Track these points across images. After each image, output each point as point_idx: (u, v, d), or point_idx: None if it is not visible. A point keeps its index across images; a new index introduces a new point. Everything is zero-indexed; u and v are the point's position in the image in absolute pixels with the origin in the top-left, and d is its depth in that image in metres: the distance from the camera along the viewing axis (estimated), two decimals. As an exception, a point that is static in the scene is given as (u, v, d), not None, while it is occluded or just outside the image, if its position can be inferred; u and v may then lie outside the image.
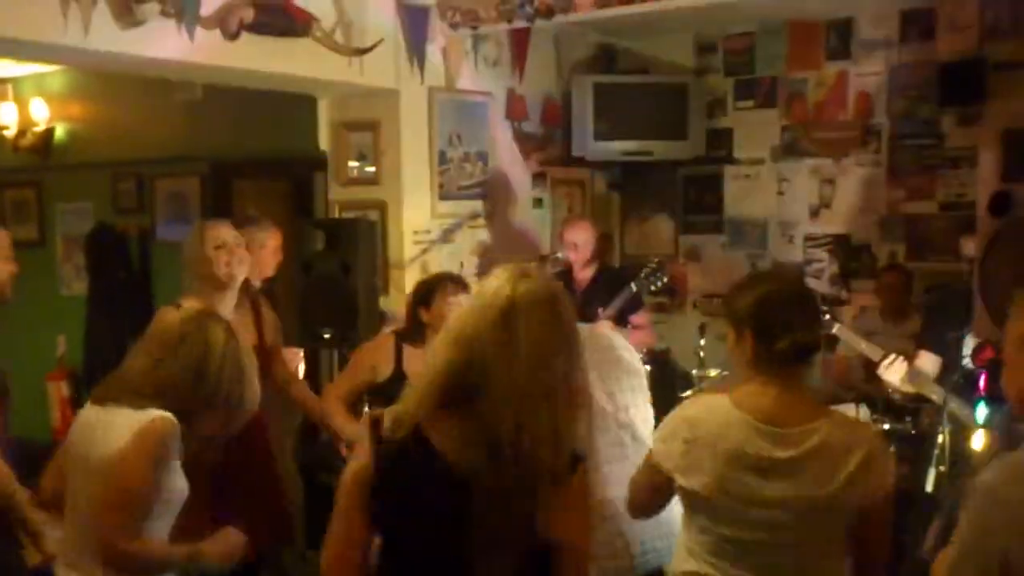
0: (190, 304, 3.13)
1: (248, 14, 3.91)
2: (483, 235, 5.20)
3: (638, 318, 4.60)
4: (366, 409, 3.20)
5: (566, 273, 4.72)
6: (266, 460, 3.54)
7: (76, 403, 4.91)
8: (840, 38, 5.33)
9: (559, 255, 4.72)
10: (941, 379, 3.35)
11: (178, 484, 2.25)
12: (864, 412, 3.62)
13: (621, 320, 4.40)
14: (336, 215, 4.87)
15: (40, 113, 6.68)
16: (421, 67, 4.68)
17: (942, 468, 2.88)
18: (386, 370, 3.42)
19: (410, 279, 4.42)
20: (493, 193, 5.23)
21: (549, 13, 4.33)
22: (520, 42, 5.08)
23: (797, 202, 5.55)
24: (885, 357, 3.35)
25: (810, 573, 2.12)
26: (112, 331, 5.52)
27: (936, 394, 3.31)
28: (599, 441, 2.53)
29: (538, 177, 5.59)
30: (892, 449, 2.22)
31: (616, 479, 2.46)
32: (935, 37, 5.03)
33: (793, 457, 2.04)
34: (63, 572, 2.28)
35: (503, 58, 5.18)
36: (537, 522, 1.70)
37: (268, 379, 3.30)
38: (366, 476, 1.80)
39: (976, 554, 1.50)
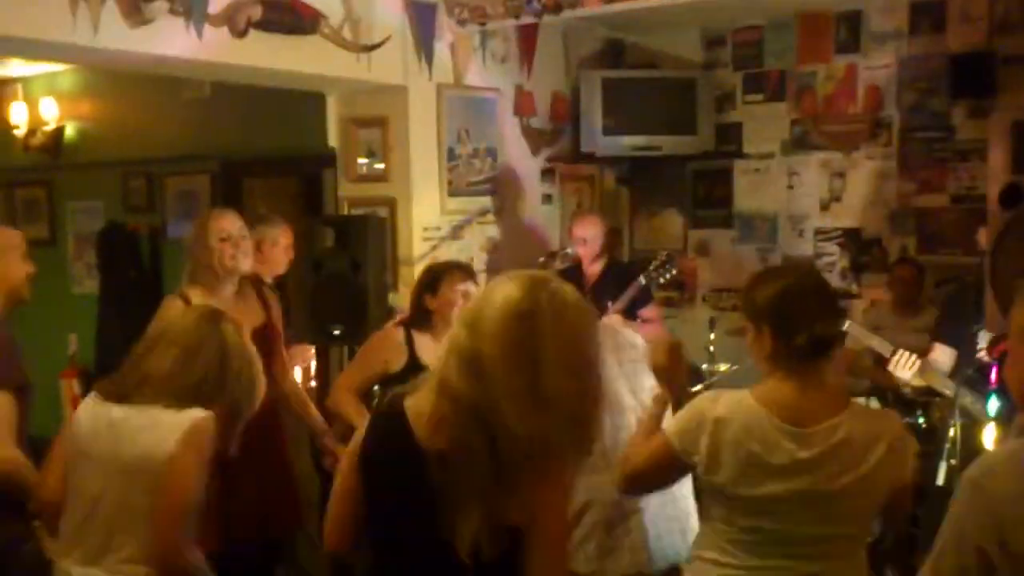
0: (195, 295, 3.16)
1: (256, 11, 3.92)
2: (492, 231, 5.21)
3: (648, 312, 4.59)
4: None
5: (575, 268, 4.73)
6: (278, 450, 3.55)
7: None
8: (850, 30, 5.31)
9: (568, 250, 4.73)
10: (955, 372, 3.35)
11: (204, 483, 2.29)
12: (875, 406, 3.62)
13: (630, 314, 4.39)
14: (345, 212, 4.88)
15: (50, 112, 6.71)
16: (429, 63, 4.68)
17: (953, 462, 2.88)
18: (400, 360, 3.39)
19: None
20: (502, 189, 5.23)
21: (557, 8, 4.32)
22: (528, 38, 5.08)
23: (807, 196, 5.53)
24: (895, 353, 3.35)
25: (832, 562, 2.12)
26: (123, 329, 5.53)
27: (947, 388, 3.31)
28: (620, 437, 2.57)
29: (547, 173, 5.59)
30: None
31: None
32: (945, 29, 5.00)
33: (816, 456, 2.05)
34: (76, 571, 2.26)
35: (511, 54, 5.18)
36: (506, 505, 1.69)
37: (273, 366, 3.31)
38: (356, 446, 1.88)
39: (956, 548, 1.49)
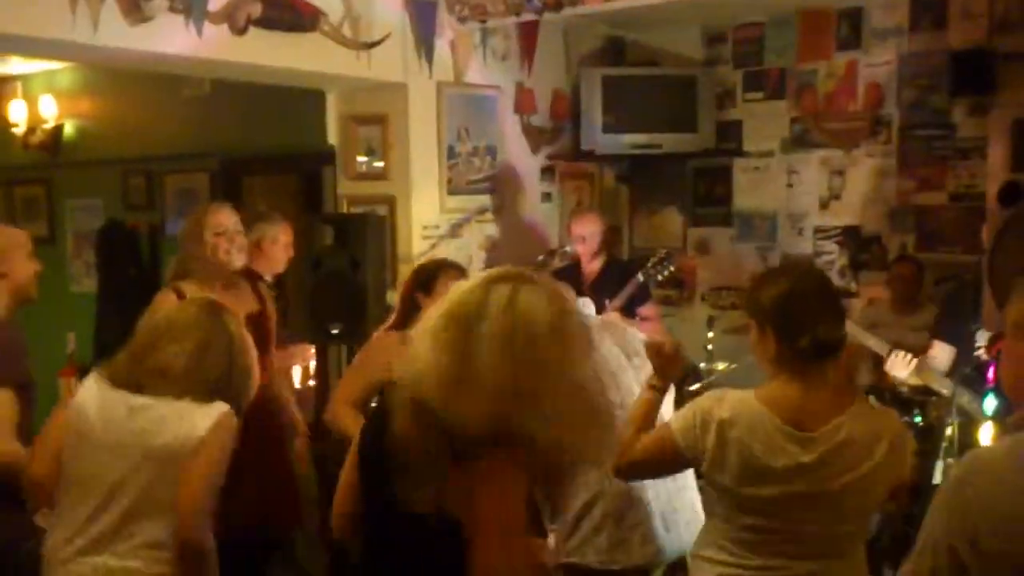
0: (188, 289, 3.16)
1: (256, 9, 3.92)
2: (492, 229, 5.21)
3: (646, 310, 4.59)
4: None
5: (574, 266, 4.73)
6: (277, 447, 3.55)
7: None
8: (851, 27, 5.30)
9: (567, 248, 4.73)
10: (953, 371, 3.35)
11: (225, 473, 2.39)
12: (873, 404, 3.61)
13: (629, 312, 4.39)
14: (345, 210, 4.88)
15: (49, 110, 6.71)
16: (429, 61, 4.68)
17: (950, 460, 2.88)
18: None
19: (419, 274, 4.43)
20: (502, 187, 5.23)
21: (557, 6, 4.32)
22: (528, 35, 5.08)
23: (807, 194, 5.52)
24: (892, 352, 3.35)
25: (833, 560, 2.12)
26: (122, 328, 5.51)
27: (944, 387, 3.31)
28: None
29: (547, 171, 5.58)
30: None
31: None
32: (946, 26, 4.99)
33: (818, 459, 2.05)
34: (76, 559, 2.27)
35: (511, 51, 5.18)
36: (449, 497, 1.73)
37: (266, 355, 3.30)
38: (356, 441, 1.97)
39: (933, 547, 1.50)
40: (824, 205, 5.47)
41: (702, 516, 2.37)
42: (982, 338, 3.39)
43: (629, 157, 5.85)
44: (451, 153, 4.92)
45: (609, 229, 5.09)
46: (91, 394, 2.37)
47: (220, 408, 2.31)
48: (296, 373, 4.17)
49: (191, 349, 2.34)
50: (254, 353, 2.50)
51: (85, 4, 3.44)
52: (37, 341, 2.84)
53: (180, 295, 3.15)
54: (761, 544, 2.11)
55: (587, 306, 2.91)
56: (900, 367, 3.30)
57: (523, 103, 5.33)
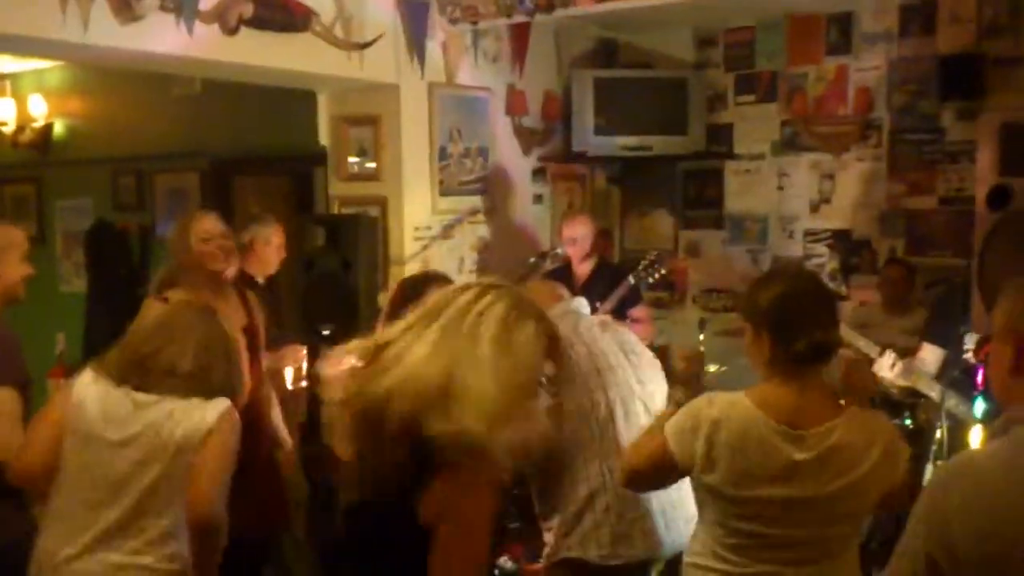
0: (176, 298, 3.16)
1: (247, 9, 3.91)
2: (483, 231, 5.20)
3: (637, 312, 4.60)
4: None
5: (565, 268, 4.73)
6: (263, 451, 3.53)
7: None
8: (840, 32, 5.33)
9: (558, 250, 4.73)
10: (942, 373, 3.36)
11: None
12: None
13: (620, 314, 4.39)
14: (336, 211, 4.87)
15: (39, 109, 6.68)
16: (421, 62, 4.68)
17: (940, 463, 2.89)
18: None
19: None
20: (493, 189, 5.23)
21: (549, 7, 4.33)
22: (520, 37, 5.08)
23: (797, 197, 5.54)
24: (882, 353, 3.36)
25: (824, 564, 2.12)
26: (112, 328, 5.50)
27: (932, 390, 3.32)
28: (631, 428, 2.64)
29: (538, 172, 5.59)
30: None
31: None
32: (935, 31, 5.02)
33: (812, 459, 2.05)
34: (84, 558, 2.27)
35: (503, 53, 5.18)
36: (414, 498, 1.74)
37: (256, 362, 3.31)
38: None
39: (910, 552, 1.50)
40: (815, 208, 5.50)
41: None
42: (970, 341, 3.41)
43: (620, 159, 5.86)
44: (443, 154, 4.92)
45: (600, 231, 5.10)
46: (90, 391, 2.37)
47: (224, 402, 2.39)
48: (288, 374, 4.15)
49: (193, 349, 2.39)
50: (245, 358, 2.57)
51: (75, 3, 3.42)
52: (26, 341, 2.84)
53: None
54: (754, 549, 2.10)
55: (583, 306, 2.92)
56: (886, 368, 3.32)
57: (515, 104, 5.33)
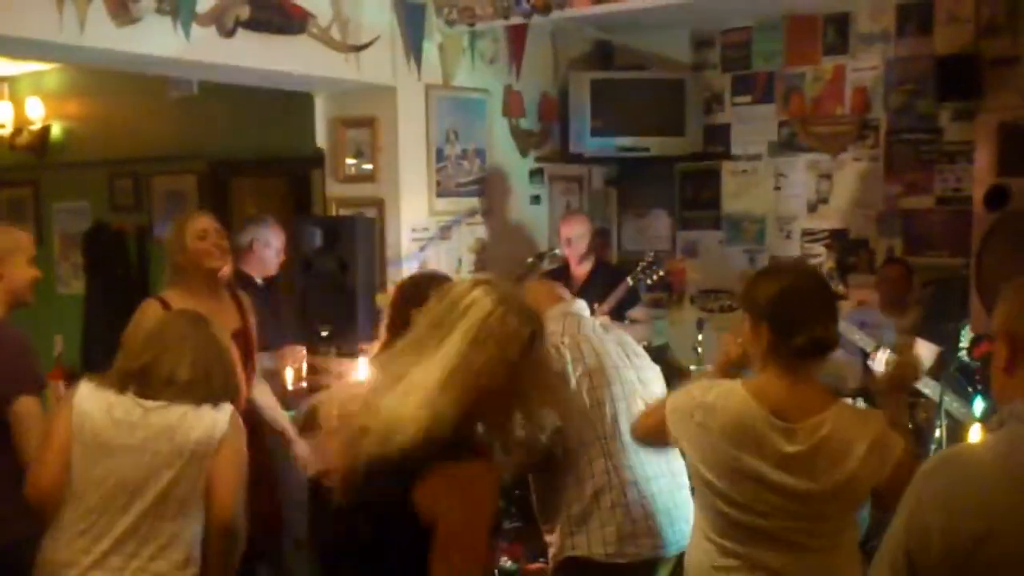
0: (173, 298, 3.17)
1: (244, 11, 3.91)
2: (481, 232, 5.21)
3: (636, 313, 4.60)
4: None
5: (563, 269, 4.74)
6: (257, 452, 3.53)
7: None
8: (837, 32, 5.33)
9: (556, 251, 4.73)
10: (937, 370, 3.36)
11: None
12: (861, 406, 3.63)
13: (618, 315, 4.40)
14: (333, 212, 4.87)
15: (36, 111, 6.68)
16: (418, 64, 4.68)
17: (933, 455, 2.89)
18: None
19: (408, 276, 4.42)
20: (490, 190, 5.23)
21: (546, 9, 4.33)
22: (517, 38, 5.08)
23: (794, 197, 5.54)
24: (878, 348, 3.36)
25: (820, 554, 2.13)
26: (110, 330, 5.50)
27: (927, 387, 3.32)
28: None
29: (535, 174, 5.59)
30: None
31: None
32: (932, 31, 5.02)
33: (802, 451, 2.06)
34: (99, 566, 2.27)
35: (500, 55, 5.18)
36: (412, 497, 1.75)
37: (248, 368, 3.30)
38: None
39: (892, 547, 1.51)
40: (812, 208, 5.50)
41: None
42: (965, 337, 3.41)
43: (617, 160, 5.86)
44: (440, 156, 4.92)
45: (598, 232, 5.10)
46: (92, 400, 2.37)
47: (229, 408, 2.43)
48: (288, 375, 4.15)
49: (189, 358, 2.40)
50: (239, 363, 2.59)
51: (72, 5, 3.42)
52: (24, 344, 2.84)
53: (165, 305, 3.14)
54: (749, 538, 2.12)
55: (583, 308, 2.92)
56: (879, 364, 3.32)
57: (511, 106, 5.33)
